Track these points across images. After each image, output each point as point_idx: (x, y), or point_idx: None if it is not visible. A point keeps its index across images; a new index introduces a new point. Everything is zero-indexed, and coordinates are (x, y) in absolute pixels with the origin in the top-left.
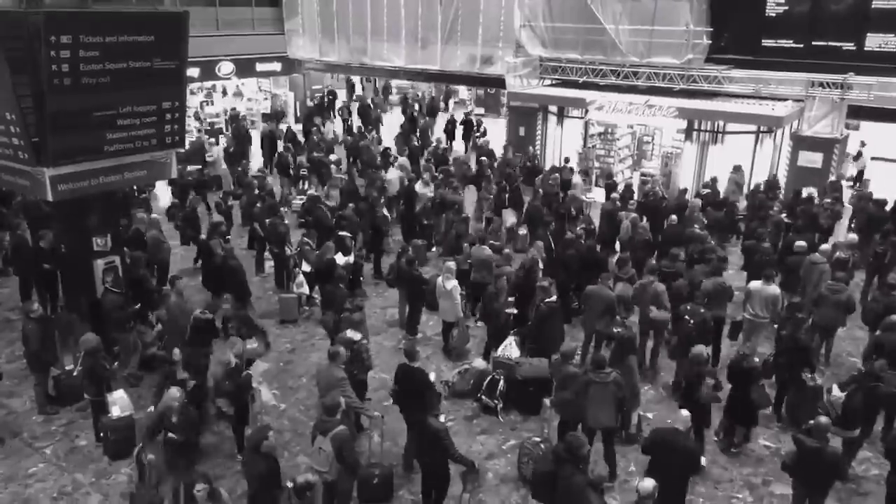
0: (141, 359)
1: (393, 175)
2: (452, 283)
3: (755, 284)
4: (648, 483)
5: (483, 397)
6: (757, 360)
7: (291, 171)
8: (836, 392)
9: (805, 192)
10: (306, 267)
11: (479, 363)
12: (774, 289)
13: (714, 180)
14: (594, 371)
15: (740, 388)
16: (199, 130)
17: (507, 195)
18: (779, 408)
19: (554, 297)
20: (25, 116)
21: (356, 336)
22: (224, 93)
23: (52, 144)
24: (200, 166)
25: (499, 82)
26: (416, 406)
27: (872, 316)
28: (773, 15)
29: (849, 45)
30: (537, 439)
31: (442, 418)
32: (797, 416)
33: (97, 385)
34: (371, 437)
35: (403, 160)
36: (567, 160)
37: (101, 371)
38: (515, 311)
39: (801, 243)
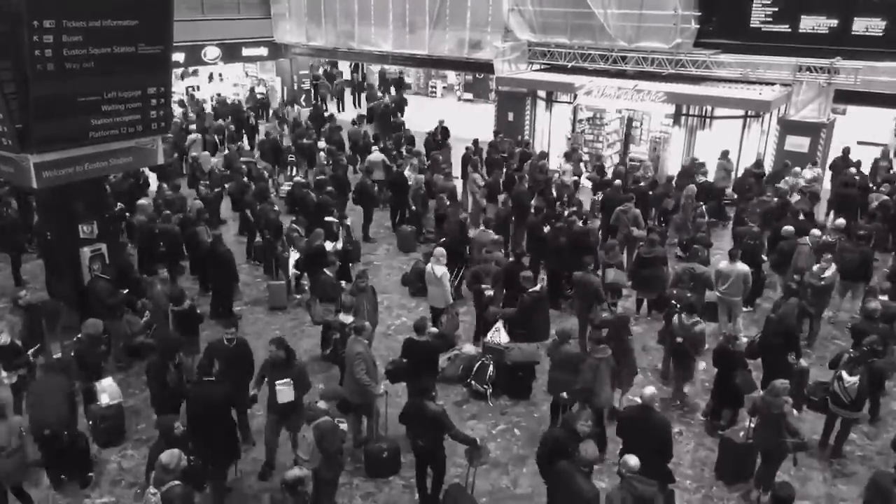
0: (129, 347)
1: (376, 157)
2: (442, 270)
3: (723, 264)
4: (633, 459)
5: (473, 382)
6: (745, 339)
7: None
8: (848, 377)
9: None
10: (295, 253)
11: (469, 349)
12: (742, 267)
13: (702, 165)
14: (595, 349)
15: (726, 371)
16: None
17: (501, 181)
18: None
19: (538, 287)
20: (9, 103)
21: (348, 319)
22: (210, 78)
23: (36, 131)
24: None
25: (487, 67)
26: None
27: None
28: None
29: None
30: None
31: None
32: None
33: (88, 373)
34: (377, 412)
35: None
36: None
37: (93, 358)
38: (491, 292)
39: (789, 228)
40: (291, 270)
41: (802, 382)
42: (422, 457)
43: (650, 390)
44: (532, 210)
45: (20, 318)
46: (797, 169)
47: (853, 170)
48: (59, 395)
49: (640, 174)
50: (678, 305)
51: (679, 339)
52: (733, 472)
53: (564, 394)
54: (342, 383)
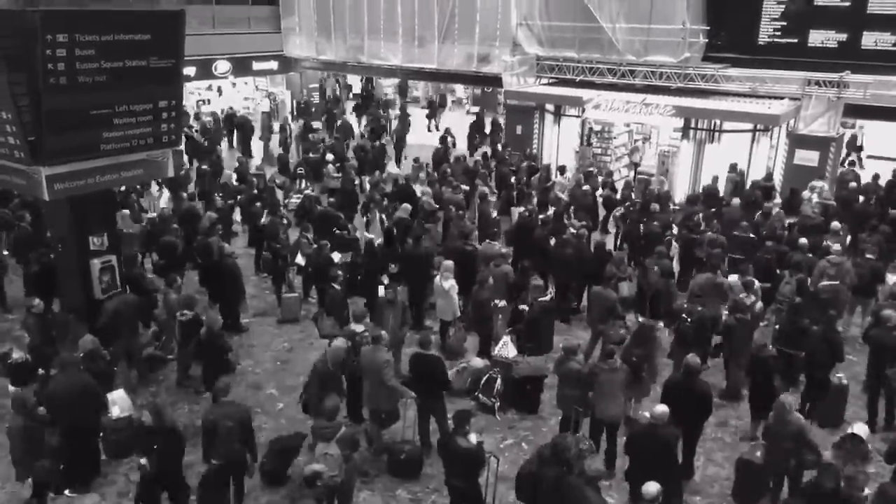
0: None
1: (391, 171)
2: (450, 283)
3: (733, 278)
4: (653, 486)
5: (480, 396)
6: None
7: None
8: None
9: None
10: (300, 259)
11: (477, 362)
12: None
13: (715, 179)
14: (603, 361)
15: (762, 378)
16: (193, 128)
17: (514, 193)
18: (804, 405)
19: (547, 297)
20: (21, 115)
21: (359, 328)
22: (220, 92)
23: (48, 143)
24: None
25: (496, 81)
26: (431, 392)
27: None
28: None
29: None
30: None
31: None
32: (825, 414)
33: (100, 385)
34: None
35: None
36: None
37: (103, 370)
38: (504, 304)
39: (802, 241)
40: (297, 279)
41: (842, 399)
42: (456, 497)
43: (662, 408)
44: (540, 223)
45: (31, 327)
46: (814, 183)
47: (854, 183)
48: (80, 390)
49: (651, 188)
50: (689, 319)
51: (738, 316)
52: (752, 495)
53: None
54: (348, 396)
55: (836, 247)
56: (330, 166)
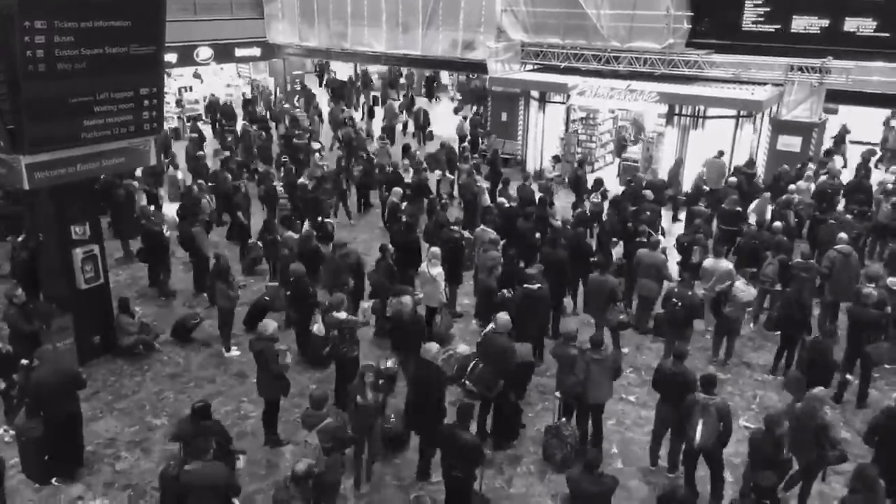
0: (124, 346)
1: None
2: (437, 270)
3: (709, 262)
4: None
5: (467, 382)
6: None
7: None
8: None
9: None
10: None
11: (463, 348)
12: (727, 264)
13: (679, 163)
14: (593, 350)
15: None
16: (179, 117)
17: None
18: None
19: (535, 285)
20: (0, 103)
21: (342, 315)
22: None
23: (27, 132)
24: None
25: (481, 67)
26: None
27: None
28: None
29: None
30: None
31: None
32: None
33: None
34: None
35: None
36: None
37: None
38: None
39: (777, 224)
40: None
41: None
42: (453, 489)
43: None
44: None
45: (12, 317)
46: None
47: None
48: (64, 380)
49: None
50: (679, 304)
51: (728, 310)
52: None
53: (557, 393)
54: (337, 382)
55: (843, 235)
56: (317, 154)
